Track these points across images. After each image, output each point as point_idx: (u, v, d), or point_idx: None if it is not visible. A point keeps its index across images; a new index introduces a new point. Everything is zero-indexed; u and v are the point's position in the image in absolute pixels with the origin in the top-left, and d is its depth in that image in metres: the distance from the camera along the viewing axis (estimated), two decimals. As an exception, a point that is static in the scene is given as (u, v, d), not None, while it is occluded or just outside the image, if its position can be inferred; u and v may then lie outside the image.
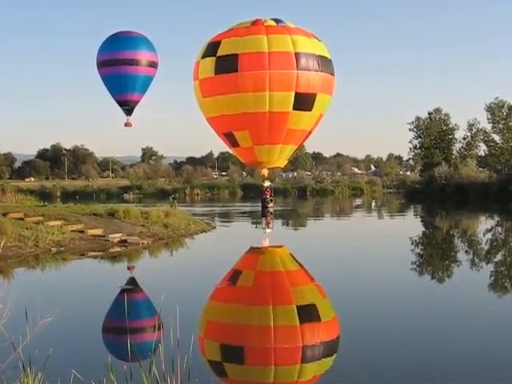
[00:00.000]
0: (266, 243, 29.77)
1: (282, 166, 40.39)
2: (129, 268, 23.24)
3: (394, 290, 17.52)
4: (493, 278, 19.90)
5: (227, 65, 33.00)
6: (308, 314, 14.69)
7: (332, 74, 35.08)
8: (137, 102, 45.79)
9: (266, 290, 18.16)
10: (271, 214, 42.83)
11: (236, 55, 32.90)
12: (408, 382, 9.60)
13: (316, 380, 10.28)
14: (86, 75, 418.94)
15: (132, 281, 19.99)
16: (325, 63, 34.18)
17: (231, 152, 40.70)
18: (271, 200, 41.98)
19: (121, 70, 43.57)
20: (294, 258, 24.56)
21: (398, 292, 17.35)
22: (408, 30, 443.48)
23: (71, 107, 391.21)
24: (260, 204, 42.14)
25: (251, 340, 12.71)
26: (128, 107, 45.67)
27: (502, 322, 13.62)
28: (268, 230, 36.61)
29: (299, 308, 15.26)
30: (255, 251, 26.77)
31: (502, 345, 11.70)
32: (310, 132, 35.66)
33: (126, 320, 11.45)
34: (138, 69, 43.90)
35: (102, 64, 44.65)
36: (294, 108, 33.01)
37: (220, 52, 33.44)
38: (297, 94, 32.85)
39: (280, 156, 35.41)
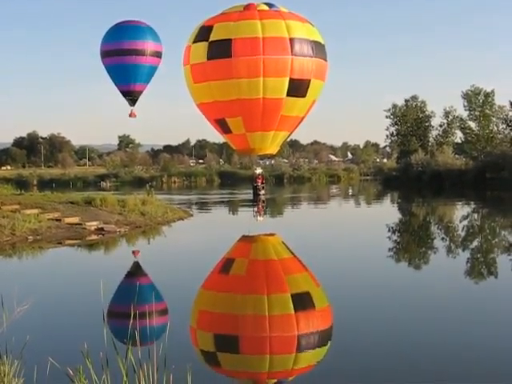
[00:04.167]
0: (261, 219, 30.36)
1: (274, 153, 39.91)
2: (133, 252, 23.49)
3: (371, 276, 17.65)
4: (468, 264, 20.14)
5: (220, 50, 32.27)
6: (302, 302, 14.56)
7: (325, 59, 34.69)
8: (141, 92, 45.14)
9: (259, 279, 17.86)
10: (263, 201, 42.18)
11: (229, 40, 32.18)
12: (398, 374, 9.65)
13: (311, 368, 10.20)
14: (62, 63, 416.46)
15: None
16: (318, 49, 33.70)
17: (208, 140, 40.42)
18: (263, 187, 41.33)
19: (126, 60, 42.80)
20: (287, 246, 24.28)
21: (374, 278, 17.46)
22: (383, 17, 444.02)
23: (47, 95, 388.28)
24: (251, 191, 41.77)
25: (246, 329, 12.57)
26: (132, 97, 45.15)
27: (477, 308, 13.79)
28: (260, 218, 36.18)
29: (293, 296, 15.06)
30: (247, 239, 26.18)
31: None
32: (302, 118, 35.19)
33: (102, 307, 11.40)
34: (143, 59, 43.28)
35: (107, 54, 43.80)
36: (288, 94, 32.48)
37: (213, 37, 32.70)
38: (291, 80, 32.33)
39: (272, 143, 34.90)
